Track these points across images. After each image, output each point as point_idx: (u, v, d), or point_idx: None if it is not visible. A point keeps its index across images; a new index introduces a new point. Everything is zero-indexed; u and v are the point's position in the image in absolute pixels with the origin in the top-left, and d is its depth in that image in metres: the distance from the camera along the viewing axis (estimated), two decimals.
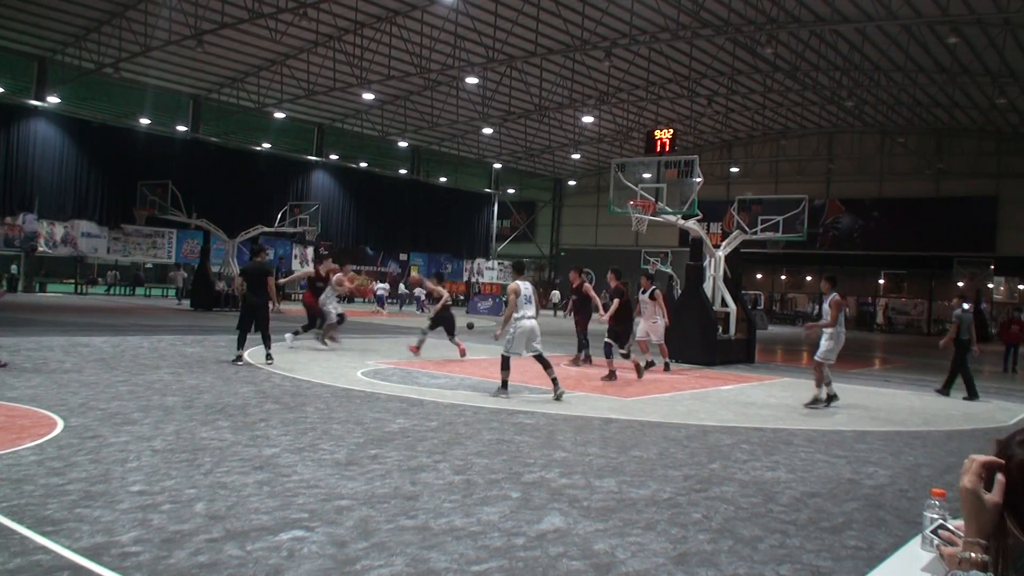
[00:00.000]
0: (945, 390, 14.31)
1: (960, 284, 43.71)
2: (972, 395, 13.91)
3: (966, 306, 14.48)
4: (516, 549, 4.59)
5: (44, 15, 29.69)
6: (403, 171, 50.15)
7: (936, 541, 2.03)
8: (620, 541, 4.86)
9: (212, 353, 14.23)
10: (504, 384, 10.95)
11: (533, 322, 10.97)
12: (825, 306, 11.82)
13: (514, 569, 4.27)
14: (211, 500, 5.20)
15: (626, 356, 13.94)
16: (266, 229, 32.00)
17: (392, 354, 16.04)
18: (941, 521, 2.09)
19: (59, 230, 35.47)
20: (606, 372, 13.48)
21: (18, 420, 7.49)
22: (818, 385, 11.62)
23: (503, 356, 10.96)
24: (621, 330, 13.78)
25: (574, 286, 15.82)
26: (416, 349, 15.94)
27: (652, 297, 15.64)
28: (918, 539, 2.21)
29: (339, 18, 30.06)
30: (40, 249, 35.27)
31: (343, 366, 13.41)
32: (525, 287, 11.05)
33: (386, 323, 27.41)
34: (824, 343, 11.68)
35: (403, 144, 46.53)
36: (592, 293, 15.27)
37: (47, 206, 33.68)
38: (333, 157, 45.88)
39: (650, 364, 15.62)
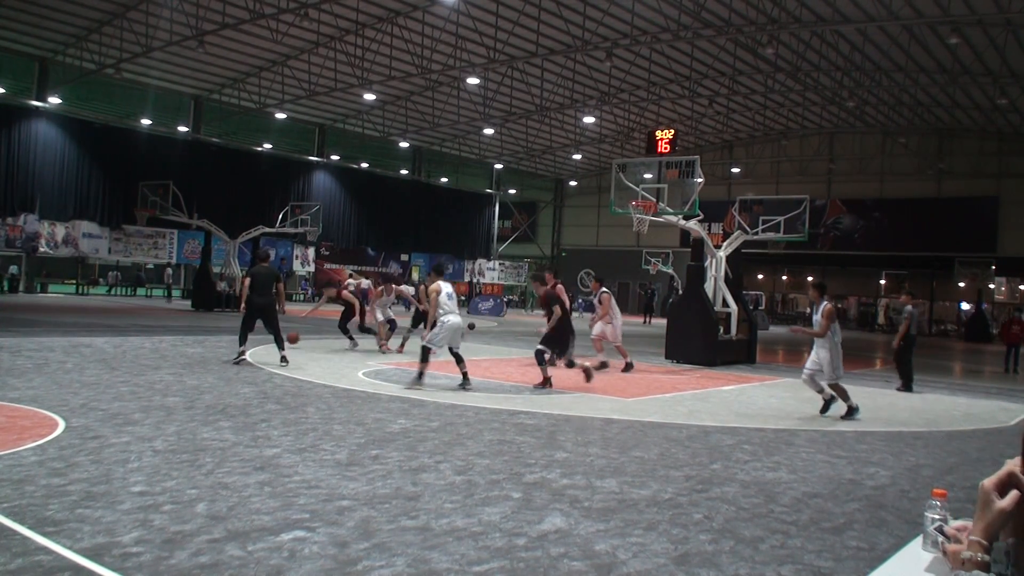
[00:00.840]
0: (907, 386, 14.71)
1: (961, 284, 43.76)
2: (907, 387, 14.72)
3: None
4: (517, 550, 4.59)
5: (45, 16, 29.70)
6: (404, 171, 50.14)
7: (940, 539, 2.03)
8: (621, 542, 4.86)
9: (213, 353, 14.23)
10: (420, 375, 11.35)
11: (458, 319, 11.52)
12: (817, 316, 10.99)
13: (515, 570, 4.27)
14: (212, 501, 5.21)
15: (570, 365, 12.66)
16: (267, 230, 32.00)
17: (393, 355, 16.04)
18: (942, 522, 2.09)
19: (60, 231, 35.49)
20: (539, 380, 12.19)
21: (19, 421, 7.49)
22: (845, 398, 10.78)
23: (423, 347, 11.37)
24: (557, 336, 12.31)
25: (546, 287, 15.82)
26: (401, 348, 16.21)
27: (600, 301, 15.61)
28: (919, 539, 2.21)
29: (340, 19, 30.06)
30: (41, 250, 35.29)
31: (344, 367, 13.42)
32: (446, 287, 11.60)
33: None
34: (827, 362, 10.73)
35: (404, 144, 46.52)
36: (564, 296, 15.24)
37: (48, 207, 33.66)
38: (334, 157, 45.85)
39: (603, 365, 15.49)
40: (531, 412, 9.68)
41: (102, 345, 14.59)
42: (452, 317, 11.39)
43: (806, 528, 5.43)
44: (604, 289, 15.84)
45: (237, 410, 8.61)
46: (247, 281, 13.44)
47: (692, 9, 26.14)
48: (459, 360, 11.49)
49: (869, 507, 6.11)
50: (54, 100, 34.39)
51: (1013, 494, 1.62)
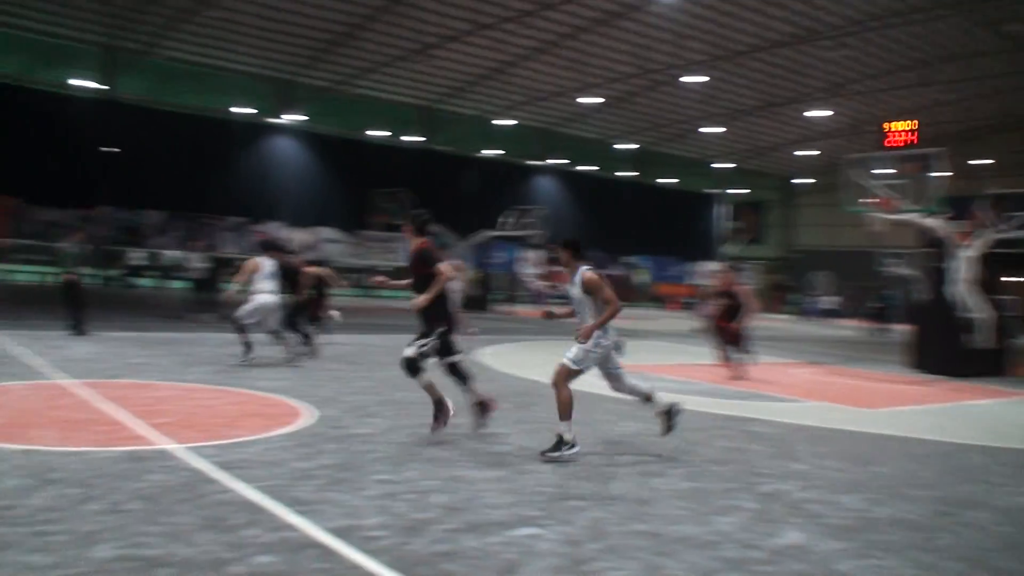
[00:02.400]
0: None
1: None
2: None
3: None
4: (752, 563, 4.39)
5: (284, 41, 32.33)
6: (626, 173, 50.03)
7: None
8: (862, 563, 4.52)
9: None
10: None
11: (272, 297, 11.69)
12: (575, 289, 6.96)
13: None
14: (448, 492, 5.38)
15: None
16: (492, 233, 32.96)
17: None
18: None
19: (302, 236, 38.40)
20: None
21: (271, 409, 8.13)
22: (565, 416, 6.61)
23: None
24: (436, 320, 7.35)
25: (725, 288, 13.37)
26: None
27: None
28: None
29: (559, 24, 30.46)
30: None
31: None
32: (269, 263, 11.83)
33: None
34: (585, 343, 6.77)
35: (626, 146, 46.46)
36: (747, 296, 13.12)
37: (291, 214, 36.60)
38: (557, 161, 46.52)
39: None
40: (762, 420, 9.29)
41: (343, 342, 15.41)
42: (267, 296, 11.64)
43: None
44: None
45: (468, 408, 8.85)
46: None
47: None
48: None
49: None
50: (294, 117, 37.33)
51: None
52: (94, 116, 32.32)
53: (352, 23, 30.94)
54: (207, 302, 18.33)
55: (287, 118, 37.24)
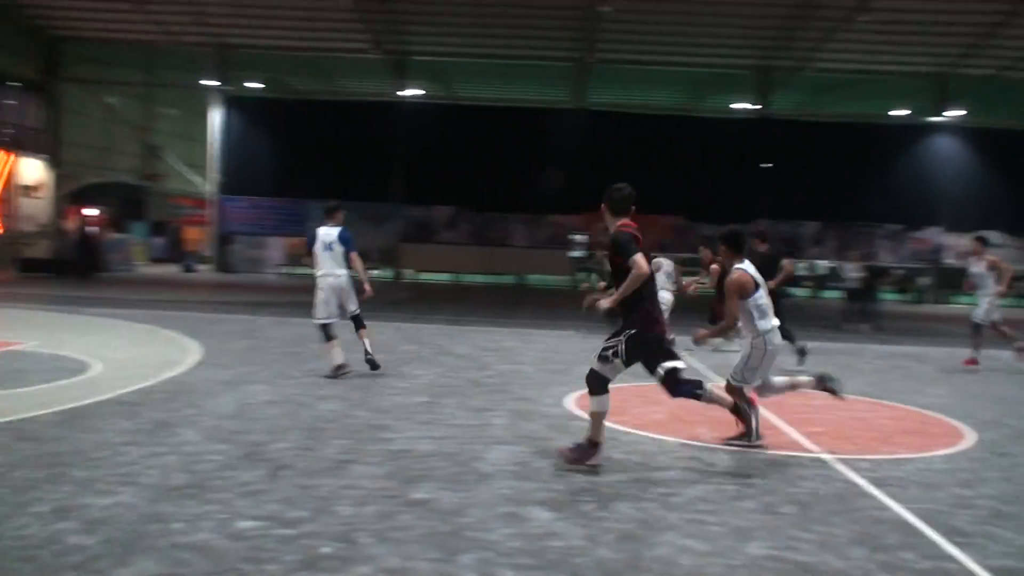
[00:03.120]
0: None
1: None
2: None
3: None
4: None
5: (941, 32, 30.33)
6: None
7: None
8: None
9: None
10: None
11: (668, 295, 11.28)
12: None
13: None
14: None
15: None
16: None
17: None
18: None
19: (963, 242, 35.57)
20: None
21: (929, 427, 7.80)
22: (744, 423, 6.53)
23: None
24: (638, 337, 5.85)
25: None
26: None
27: None
28: None
29: None
30: (948, 261, 35.91)
31: None
32: (667, 264, 11.71)
33: None
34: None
35: None
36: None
37: (951, 218, 34.37)
38: None
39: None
40: None
41: (937, 356, 13.67)
42: (666, 293, 11.14)
43: None
44: None
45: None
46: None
47: None
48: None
49: None
50: (954, 112, 34.79)
51: None
52: (750, 135, 34.74)
53: None
54: (864, 312, 18.29)
55: (946, 115, 34.96)
